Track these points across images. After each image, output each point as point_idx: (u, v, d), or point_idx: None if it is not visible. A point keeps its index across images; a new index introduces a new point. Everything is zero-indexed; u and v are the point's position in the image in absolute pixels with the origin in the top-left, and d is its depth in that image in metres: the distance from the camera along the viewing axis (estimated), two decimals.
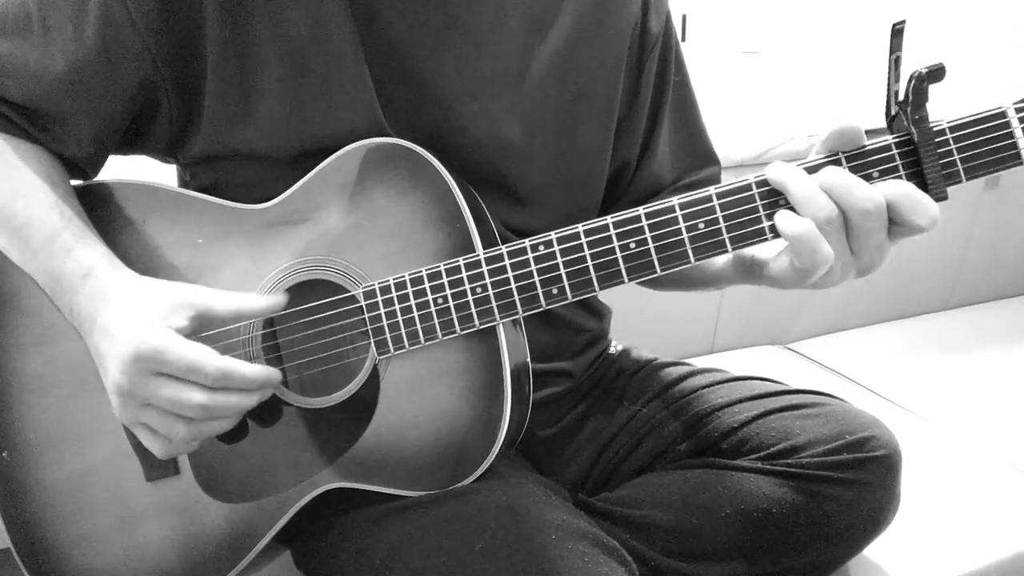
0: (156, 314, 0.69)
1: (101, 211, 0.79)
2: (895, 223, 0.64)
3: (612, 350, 1.02)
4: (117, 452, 0.78)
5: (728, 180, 0.70)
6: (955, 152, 0.64)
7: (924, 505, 1.06)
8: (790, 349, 1.63)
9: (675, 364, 1.00)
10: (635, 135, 0.92)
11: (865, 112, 1.53)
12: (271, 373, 0.71)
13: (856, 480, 0.84)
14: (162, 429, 0.70)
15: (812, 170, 0.65)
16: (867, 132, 0.65)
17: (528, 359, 0.78)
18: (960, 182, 0.64)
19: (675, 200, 0.68)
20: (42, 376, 0.80)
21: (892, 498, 0.88)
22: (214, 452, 0.76)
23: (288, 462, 0.77)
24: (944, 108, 0.64)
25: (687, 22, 1.49)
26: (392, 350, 0.73)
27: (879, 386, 1.45)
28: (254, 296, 0.73)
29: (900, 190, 0.63)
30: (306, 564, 0.85)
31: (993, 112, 0.63)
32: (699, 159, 0.97)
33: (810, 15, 1.58)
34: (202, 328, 0.71)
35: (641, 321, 1.41)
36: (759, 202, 0.66)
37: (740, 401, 0.91)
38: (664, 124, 0.93)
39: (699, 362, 1.02)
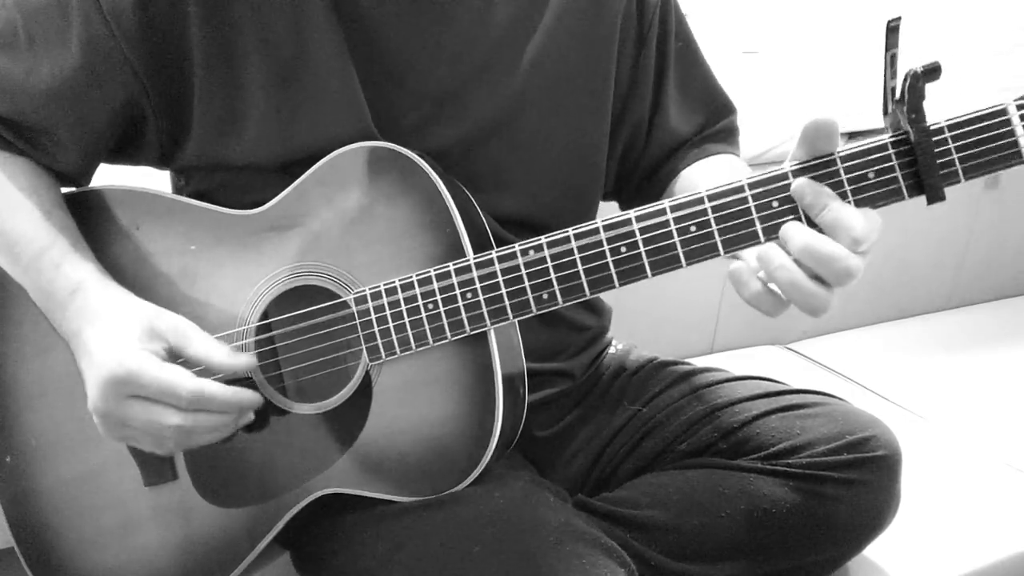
0: (135, 336, 0.69)
1: (94, 218, 0.80)
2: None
3: (612, 349, 1.02)
4: (116, 458, 0.78)
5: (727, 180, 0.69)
6: (953, 151, 0.62)
7: (924, 505, 1.06)
8: (790, 349, 1.63)
9: (675, 364, 1.00)
10: (643, 105, 0.92)
11: (865, 112, 1.53)
12: (249, 397, 0.72)
13: (856, 480, 0.84)
14: (144, 446, 0.72)
15: (803, 172, 0.64)
16: (870, 132, 0.64)
17: (523, 363, 0.78)
18: (958, 182, 0.62)
19: (666, 203, 0.67)
20: (42, 382, 0.80)
21: (892, 498, 0.87)
22: (210, 457, 0.77)
23: (283, 467, 0.77)
24: (946, 108, 0.63)
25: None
26: (384, 356, 0.73)
27: (879, 386, 1.45)
28: (226, 351, 0.72)
29: (801, 243, 0.62)
30: (304, 567, 0.85)
31: (993, 110, 0.61)
32: (714, 112, 0.97)
33: (810, 15, 1.58)
34: (177, 355, 0.71)
35: (641, 321, 1.41)
36: (752, 203, 0.65)
37: (740, 401, 0.91)
38: (669, 91, 0.93)
39: (699, 362, 1.02)
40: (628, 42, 0.89)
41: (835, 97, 1.59)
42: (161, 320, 0.71)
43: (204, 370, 0.74)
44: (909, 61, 0.62)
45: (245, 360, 0.73)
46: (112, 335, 0.70)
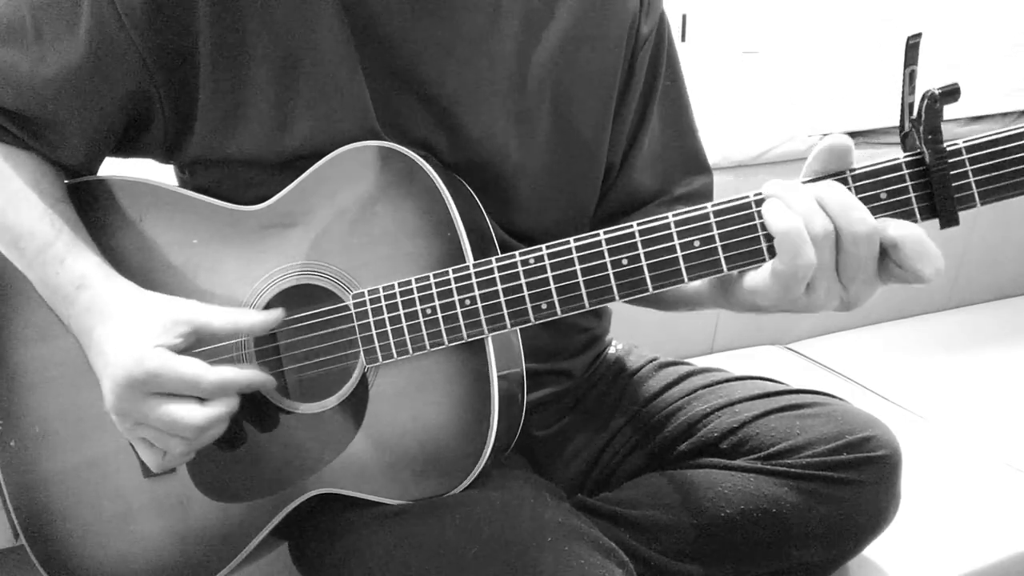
0: (151, 333, 0.69)
1: (98, 208, 0.80)
2: (897, 265, 0.61)
3: (612, 350, 1.02)
4: (117, 447, 0.78)
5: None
6: (971, 175, 0.59)
7: (924, 505, 1.06)
8: (790, 349, 1.63)
9: (675, 364, 1.00)
10: (621, 136, 0.90)
11: (865, 113, 1.53)
12: (266, 378, 0.73)
13: (856, 480, 0.84)
14: (158, 444, 0.71)
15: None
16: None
17: (522, 367, 0.77)
18: (974, 207, 0.60)
19: (670, 216, 0.65)
20: (47, 368, 0.80)
21: (892, 498, 0.88)
22: (208, 452, 0.77)
23: (279, 465, 0.77)
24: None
25: (687, 22, 1.49)
26: (380, 359, 0.73)
27: (879, 386, 1.45)
28: (251, 312, 0.73)
29: (911, 233, 0.59)
30: (303, 564, 0.85)
31: (1014, 132, 0.59)
32: (689, 167, 0.93)
33: (810, 15, 1.58)
34: (197, 344, 0.71)
35: (641, 321, 1.41)
36: (758, 220, 0.63)
37: (740, 401, 0.91)
38: (650, 128, 0.91)
39: (699, 362, 1.02)
40: (625, 68, 0.87)
41: (835, 97, 1.59)
42: (180, 309, 0.71)
43: (215, 351, 0.74)
44: (919, 57, 0.61)
45: (275, 315, 0.73)
46: (126, 333, 0.70)
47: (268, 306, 0.77)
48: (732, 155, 1.46)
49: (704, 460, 0.88)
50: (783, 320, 1.63)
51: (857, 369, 1.52)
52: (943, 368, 1.53)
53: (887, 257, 0.61)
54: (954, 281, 1.83)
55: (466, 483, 0.72)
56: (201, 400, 0.69)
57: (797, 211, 0.60)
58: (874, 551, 0.93)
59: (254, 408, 0.76)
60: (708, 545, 0.83)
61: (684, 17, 1.47)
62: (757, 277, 0.65)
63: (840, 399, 0.93)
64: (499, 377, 0.72)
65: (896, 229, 0.60)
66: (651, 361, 1.00)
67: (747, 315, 1.66)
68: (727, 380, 0.95)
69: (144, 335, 0.69)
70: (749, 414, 0.89)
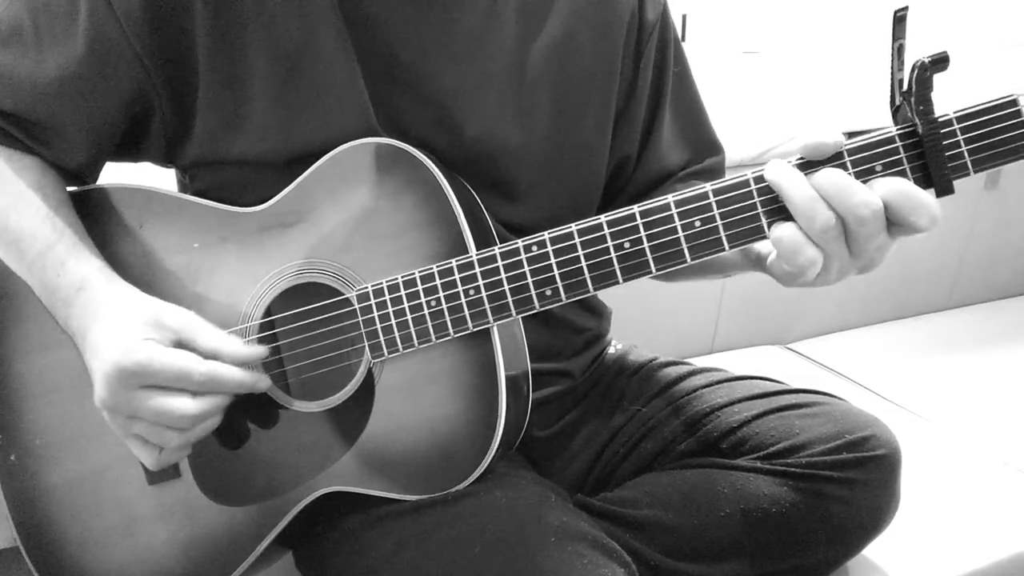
0: (141, 328, 0.69)
1: (99, 216, 0.80)
2: (894, 223, 0.62)
3: (612, 350, 1.02)
4: (119, 456, 0.78)
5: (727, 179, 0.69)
6: (962, 143, 0.60)
7: (924, 505, 1.06)
8: (790, 349, 1.63)
9: (675, 364, 1.00)
10: (634, 127, 0.91)
11: (865, 112, 1.53)
12: (258, 378, 0.72)
13: (856, 479, 0.84)
14: (153, 439, 0.70)
15: (808, 165, 0.63)
16: (870, 132, 0.64)
17: (527, 362, 0.78)
18: (967, 175, 0.61)
19: (670, 198, 0.66)
20: (46, 380, 0.80)
21: (892, 498, 0.88)
22: (213, 455, 0.76)
23: (286, 465, 0.77)
24: (950, 106, 0.62)
25: (687, 22, 1.49)
26: (386, 353, 0.73)
27: (879, 386, 1.45)
28: (238, 342, 0.72)
29: (898, 189, 0.60)
30: (306, 566, 0.85)
31: (1003, 101, 0.60)
32: (702, 149, 0.96)
33: (810, 15, 1.58)
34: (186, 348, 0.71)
35: (641, 321, 1.41)
36: (757, 199, 0.64)
37: (740, 400, 0.91)
38: (665, 115, 0.92)
39: (699, 362, 1.02)
40: (627, 58, 0.88)
41: (835, 97, 1.59)
42: (168, 314, 0.71)
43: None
44: (917, 53, 0.61)
45: (257, 351, 0.73)
46: (118, 328, 0.69)
47: (271, 306, 0.77)
48: (732, 155, 1.46)
49: (704, 460, 0.88)
50: (783, 320, 1.63)
51: (857, 369, 1.52)
52: (943, 368, 1.53)
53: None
54: (954, 281, 1.83)
55: (475, 475, 0.72)
56: (193, 394, 0.69)
57: (796, 204, 0.62)
58: (874, 551, 0.93)
59: (259, 409, 0.76)
60: (707, 545, 0.83)
61: (684, 17, 1.47)
62: (772, 263, 0.67)
63: (840, 399, 0.93)
64: (505, 367, 0.72)
65: (881, 188, 0.61)
66: (651, 361, 1.00)
67: (747, 315, 1.66)
68: (727, 380, 0.95)
69: (134, 329, 0.69)
70: (749, 413, 0.89)
